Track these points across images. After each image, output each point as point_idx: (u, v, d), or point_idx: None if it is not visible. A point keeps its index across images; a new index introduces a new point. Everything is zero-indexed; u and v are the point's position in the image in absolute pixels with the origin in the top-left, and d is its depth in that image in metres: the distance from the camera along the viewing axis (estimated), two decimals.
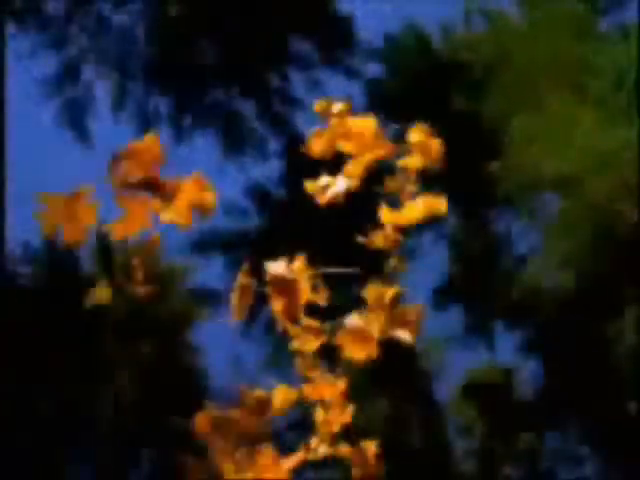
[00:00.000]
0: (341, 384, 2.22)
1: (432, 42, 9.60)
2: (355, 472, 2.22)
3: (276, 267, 2.20)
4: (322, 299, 2.17)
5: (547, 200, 8.96)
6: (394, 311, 2.20)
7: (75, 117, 9.33)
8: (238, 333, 8.36)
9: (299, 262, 2.18)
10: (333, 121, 2.28)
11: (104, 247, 8.49)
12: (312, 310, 2.21)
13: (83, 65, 9.40)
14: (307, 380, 2.23)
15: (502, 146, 8.48)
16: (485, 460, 9.22)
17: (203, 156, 9.33)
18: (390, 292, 2.18)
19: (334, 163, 2.28)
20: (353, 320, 2.21)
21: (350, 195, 2.30)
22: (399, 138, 2.26)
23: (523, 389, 9.41)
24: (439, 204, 2.22)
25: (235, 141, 9.51)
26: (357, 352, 2.21)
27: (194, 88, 9.46)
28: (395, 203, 2.26)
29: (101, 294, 2.18)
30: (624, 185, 7.78)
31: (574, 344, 8.32)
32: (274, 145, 9.56)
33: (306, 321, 2.20)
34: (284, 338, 2.30)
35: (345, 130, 2.29)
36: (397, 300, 2.18)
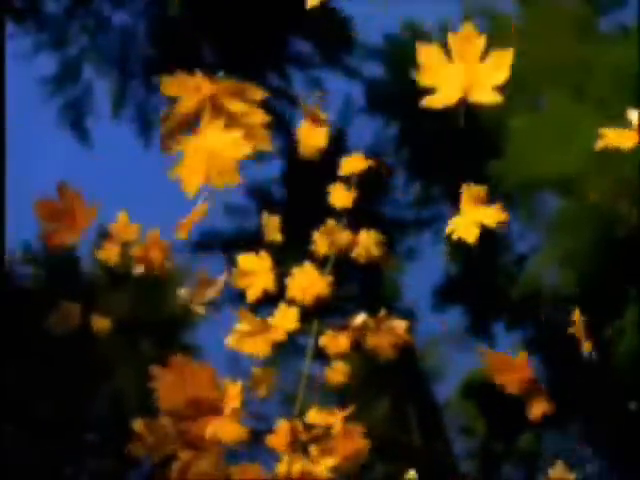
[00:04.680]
0: None
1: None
2: None
3: None
4: None
5: (547, 200, 8.96)
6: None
7: (75, 117, 9.33)
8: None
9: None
10: None
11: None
12: None
13: (83, 65, 9.40)
14: None
15: (502, 146, 8.48)
16: (485, 460, 9.22)
17: None
18: None
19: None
20: None
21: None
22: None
23: None
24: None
25: None
26: None
27: None
28: None
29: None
30: (624, 185, 7.78)
31: (573, 344, 8.30)
32: (274, 145, 9.53)
33: None
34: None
35: None
36: None
